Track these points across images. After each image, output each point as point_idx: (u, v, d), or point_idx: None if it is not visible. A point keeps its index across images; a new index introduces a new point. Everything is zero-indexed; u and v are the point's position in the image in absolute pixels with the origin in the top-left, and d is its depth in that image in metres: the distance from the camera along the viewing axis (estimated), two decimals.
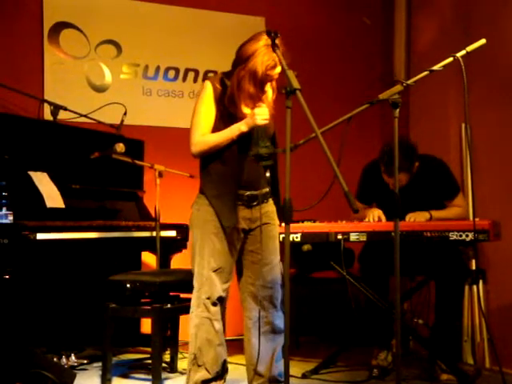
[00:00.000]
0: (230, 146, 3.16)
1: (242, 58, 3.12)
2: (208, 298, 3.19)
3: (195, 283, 3.24)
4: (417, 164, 4.05)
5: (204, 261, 3.20)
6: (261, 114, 3.08)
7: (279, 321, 3.29)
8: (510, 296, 4.48)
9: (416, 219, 3.94)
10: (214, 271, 3.19)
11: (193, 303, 3.24)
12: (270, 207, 3.30)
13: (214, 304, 3.20)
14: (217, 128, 3.18)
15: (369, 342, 4.19)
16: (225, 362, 3.29)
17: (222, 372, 3.27)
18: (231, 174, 3.18)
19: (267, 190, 3.27)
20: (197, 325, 3.21)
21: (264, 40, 3.06)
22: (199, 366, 3.21)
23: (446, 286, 3.97)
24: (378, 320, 4.06)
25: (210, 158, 3.21)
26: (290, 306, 2.70)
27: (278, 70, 3.09)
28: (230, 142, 3.15)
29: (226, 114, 3.18)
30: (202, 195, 3.26)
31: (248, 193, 3.21)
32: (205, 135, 3.17)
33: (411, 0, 5.63)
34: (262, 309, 3.27)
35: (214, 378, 3.23)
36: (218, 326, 3.22)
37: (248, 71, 3.10)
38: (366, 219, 4.02)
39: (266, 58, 3.06)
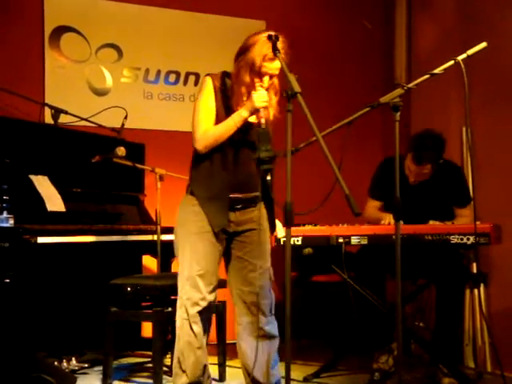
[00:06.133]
0: (222, 147, 3.14)
1: (242, 49, 3.14)
2: (188, 300, 3.16)
3: (178, 284, 3.21)
4: (441, 161, 4.08)
5: (185, 261, 3.18)
6: (260, 97, 3.06)
7: (270, 326, 3.25)
8: (511, 299, 4.47)
9: None
10: (196, 272, 3.15)
11: (177, 305, 3.23)
12: (257, 212, 3.24)
13: (194, 306, 3.16)
14: (219, 122, 3.16)
15: (370, 345, 4.19)
16: (205, 367, 3.27)
17: (203, 377, 3.26)
18: (219, 175, 3.16)
19: (256, 194, 3.20)
20: (179, 327, 3.20)
21: (266, 33, 3.06)
22: (183, 371, 3.20)
23: (447, 290, 3.97)
24: (378, 323, 4.06)
25: (199, 159, 3.20)
26: (291, 310, 2.70)
27: (276, 65, 3.06)
28: (234, 132, 3.11)
29: (226, 108, 3.17)
30: (189, 195, 3.24)
31: (232, 195, 3.18)
32: (207, 130, 3.15)
33: (412, 3, 5.64)
34: (252, 314, 3.24)
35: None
36: (197, 328, 3.17)
37: (246, 61, 3.09)
38: (382, 222, 4.05)
39: (264, 48, 3.04)
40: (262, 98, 3.07)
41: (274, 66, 3.07)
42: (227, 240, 3.25)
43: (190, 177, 3.28)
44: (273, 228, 3.33)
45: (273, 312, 3.27)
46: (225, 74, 3.23)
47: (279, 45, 3.00)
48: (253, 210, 3.24)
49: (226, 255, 3.29)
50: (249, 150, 3.15)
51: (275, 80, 3.15)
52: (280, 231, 3.41)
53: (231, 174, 3.16)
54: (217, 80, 3.20)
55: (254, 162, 3.09)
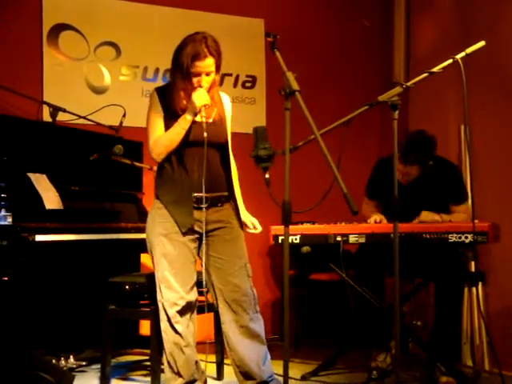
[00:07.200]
0: (178, 150, 3.18)
1: (174, 54, 3.18)
2: (166, 301, 3.19)
3: (156, 287, 3.25)
4: (431, 162, 4.07)
5: (157, 263, 3.23)
6: (199, 97, 3.11)
7: (253, 324, 3.27)
8: (509, 298, 4.47)
9: (427, 218, 3.98)
10: (168, 272, 3.18)
11: (158, 309, 3.26)
12: (225, 211, 3.30)
13: (173, 306, 3.18)
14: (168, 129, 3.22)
15: (367, 343, 4.19)
16: (197, 363, 3.29)
17: (197, 374, 3.29)
18: (180, 177, 3.21)
19: (222, 193, 3.28)
20: (163, 330, 3.23)
21: (194, 36, 3.12)
22: (175, 373, 3.23)
23: (445, 288, 3.97)
24: (376, 321, 4.06)
25: (161, 165, 3.27)
26: (289, 308, 2.70)
27: (208, 62, 3.10)
28: (185, 135, 3.16)
29: (172, 114, 3.21)
30: (156, 200, 3.29)
31: (195, 194, 3.20)
32: (158, 139, 3.21)
33: (411, 2, 5.64)
34: (233, 312, 3.26)
35: (191, 382, 3.26)
36: (180, 327, 3.20)
37: (177, 65, 3.14)
38: (368, 220, 4.05)
39: (190, 48, 3.09)
40: (202, 97, 3.11)
41: (206, 64, 3.11)
42: (199, 239, 3.28)
43: (155, 183, 3.35)
44: (241, 226, 3.36)
45: (257, 310, 3.30)
46: (168, 84, 3.30)
47: (209, 43, 3.09)
48: (221, 209, 3.27)
49: (201, 255, 3.32)
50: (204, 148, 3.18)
51: (216, 77, 3.21)
52: (250, 230, 3.44)
53: (192, 174, 3.20)
54: (160, 90, 3.25)
55: (219, 162, 3.17)
